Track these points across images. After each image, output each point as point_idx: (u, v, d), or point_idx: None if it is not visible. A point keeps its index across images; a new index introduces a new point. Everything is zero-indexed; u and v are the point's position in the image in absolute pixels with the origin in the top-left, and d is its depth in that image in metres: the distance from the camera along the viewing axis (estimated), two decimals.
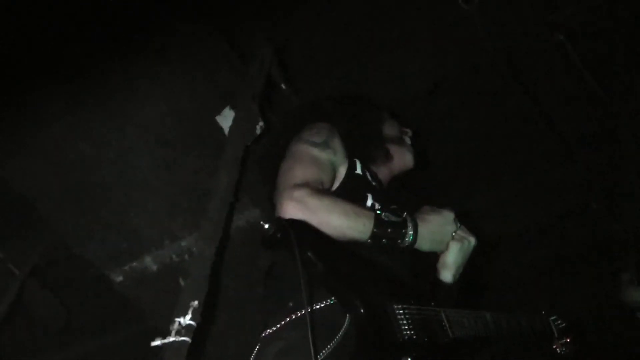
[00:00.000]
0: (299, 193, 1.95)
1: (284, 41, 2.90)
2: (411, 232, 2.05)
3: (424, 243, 2.10)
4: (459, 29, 3.05)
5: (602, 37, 2.88)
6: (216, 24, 2.72)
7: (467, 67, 3.17)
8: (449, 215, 2.21)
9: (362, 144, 2.36)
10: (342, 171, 2.24)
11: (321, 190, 2.06)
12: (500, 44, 3.13)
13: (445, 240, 2.19)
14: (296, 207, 1.92)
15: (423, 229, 2.08)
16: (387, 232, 2.01)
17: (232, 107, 2.62)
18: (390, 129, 2.58)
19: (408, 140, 2.63)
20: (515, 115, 3.36)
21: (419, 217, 2.13)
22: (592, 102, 3.10)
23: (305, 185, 2.00)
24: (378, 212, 2.06)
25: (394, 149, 2.50)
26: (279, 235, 1.82)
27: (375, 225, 1.99)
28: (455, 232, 2.21)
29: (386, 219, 2.04)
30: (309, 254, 1.82)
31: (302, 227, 1.88)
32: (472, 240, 2.26)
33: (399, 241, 2.04)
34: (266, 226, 1.84)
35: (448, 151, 3.30)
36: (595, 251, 3.44)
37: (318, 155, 2.17)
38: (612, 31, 2.78)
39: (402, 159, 2.54)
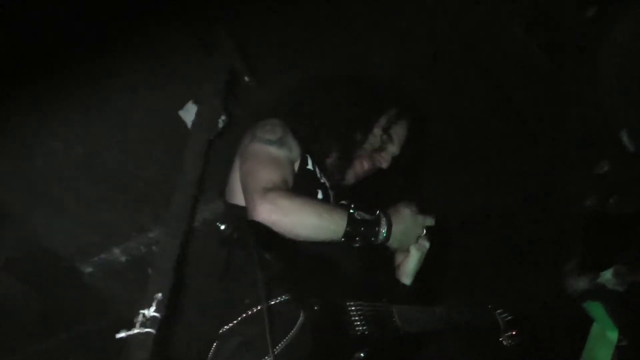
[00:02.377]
0: (271, 196, 1.98)
1: (248, 31, 2.92)
2: (384, 230, 2.06)
3: (395, 242, 2.11)
4: (421, 19, 3.11)
5: (557, 25, 2.96)
6: (178, 17, 2.75)
7: (429, 55, 3.22)
8: (421, 220, 2.21)
9: (313, 145, 2.37)
10: (295, 167, 2.27)
11: (290, 190, 2.09)
12: (462, 33, 3.20)
13: (410, 243, 2.24)
14: (271, 210, 1.95)
15: (396, 227, 2.09)
16: (360, 230, 2.02)
17: (195, 102, 2.66)
18: (370, 135, 2.47)
19: (381, 158, 2.50)
20: (478, 101, 3.43)
21: (393, 215, 2.12)
22: (550, 86, 3.17)
23: (274, 187, 2.03)
24: (351, 210, 2.06)
25: (357, 162, 2.46)
26: (235, 236, 1.88)
27: (349, 224, 2.00)
28: (420, 236, 2.24)
29: (359, 217, 2.04)
30: (266, 255, 1.88)
31: (258, 228, 1.93)
32: (428, 245, 2.34)
33: (372, 239, 2.05)
34: (222, 227, 1.90)
35: None
36: (545, 241, 3.53)
37: (277, 154, 2.20)
38: (565, 19, 2.86)
39: (358, 169, 2.49)
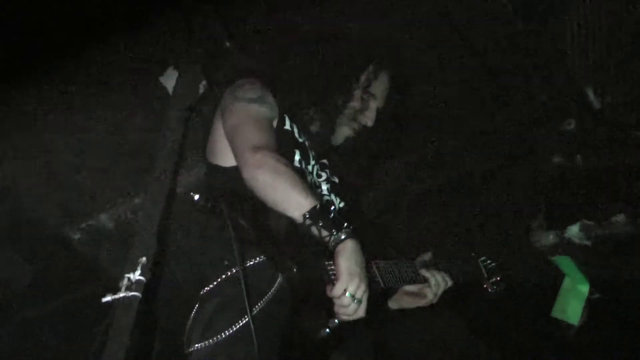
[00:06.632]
0: (260, 154, 2.00)
1: None
2: (342, 236, 1.93)
3: (345, 253, 1.92)
4: None
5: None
6: None
7: (412, 27, 3.19)
8: (361, 281, 1.91)
9: (294, 110, 2.36)
10: (274, 124, 2.28)
11: (277, 152, 2.08)
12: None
13: (352, 272, 1.91)
14: (259, 167, 1.98)
15: (353, 248, 1.93)
16: (321, 216, 1.93)
17: (175, 67, 2.67)
18: (351, 98, 2.44)
19: (365, 117, 2.47)
20: (461, 67, 3.42)
21: (355, 240, 1.95)
22: (520, 44, 3.16)
23: (264, 146, 2.05)
24: (325, 201, 2.02)
25: (343, 127, 2.45)
26: (209, 206, 1.91)
27: (316, 208, 1.93)
28: (348, 289, 1.89)
29: (329, 210, 1.97)
30: (241, 221, 1.92)
31: (233, 197, 1.97)
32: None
33: (327, 234, 1.93)
34: (196, 198, 1.93)
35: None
36: (515, 198, 3.54)
37: (259, 111, 2.21)
38: None
39: (345, 132, 2.48)
